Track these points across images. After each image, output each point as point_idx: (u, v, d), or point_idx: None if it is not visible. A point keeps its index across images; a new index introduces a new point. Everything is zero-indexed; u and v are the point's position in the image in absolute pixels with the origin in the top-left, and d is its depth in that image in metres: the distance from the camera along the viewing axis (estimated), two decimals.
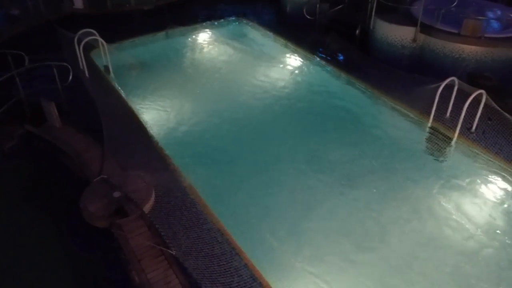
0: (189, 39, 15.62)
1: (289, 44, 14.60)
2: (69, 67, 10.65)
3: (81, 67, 11.78)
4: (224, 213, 7.64)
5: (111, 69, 12.30)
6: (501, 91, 10.44)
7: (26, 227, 8.30)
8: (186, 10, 18.02)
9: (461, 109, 9.16)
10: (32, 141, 9.93)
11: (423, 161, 9.43)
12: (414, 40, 12.69)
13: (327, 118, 11.03)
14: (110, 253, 7.31)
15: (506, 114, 9.20)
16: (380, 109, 11.11)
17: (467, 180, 8.78)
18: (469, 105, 9.05)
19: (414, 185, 8.71)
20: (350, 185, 8.71)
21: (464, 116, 9.26)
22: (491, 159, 8.95)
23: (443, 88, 9.59)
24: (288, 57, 14.26)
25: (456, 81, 9.60)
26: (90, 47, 12.46)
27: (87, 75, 11.68)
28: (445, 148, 9.54)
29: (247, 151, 9.80)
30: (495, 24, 13.47)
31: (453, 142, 9.51)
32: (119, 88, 11.54)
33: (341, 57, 13.71)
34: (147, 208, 7.53)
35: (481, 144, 9.20)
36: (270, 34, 15.49)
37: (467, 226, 7.82)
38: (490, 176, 8.80)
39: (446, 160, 9.43)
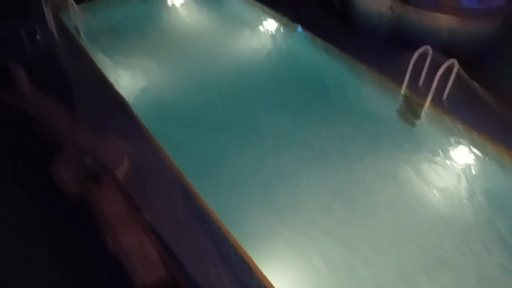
0: None
1: (265, 8, 14.34)
2: (36, 27, 10.22)
3: (50, 27, 11.29)
4: (198, 177, 7.66)
5: (81, 31, 11.82)
6: (473, 63, 10.58)
7: None
8: None
9: (434, 78, 9.28)
10: None
11: (395, 126, 9.67)
12: (391, 8, 12.64)
13: (300, 81, 11.29)
14: (85, 219, 7.24)
15: (476, 83, 9.39)
16: (354, 76, 11.17)
17: (433, 145, 9.11)
18: (441, 75, 9.18)
19: (381, 149, 9.07)
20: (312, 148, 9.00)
21: (437, 86, 9.39)
22: (459, 126, 9.21)
23: (418, 59, 9.66)
24: (263, 22, 14.07)
25: (430, 50, 9.67)
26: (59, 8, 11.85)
27: (56, 36, 11.23)
28: (416, 115, 9.76)
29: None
30: None
31: (424, 110, 9.71)
32: (90, 50, 11.14)
33: (318, 25, 13.54)
34: (119, 172, 7.48)
35: (451, 112, 9.41)
36: None
37: (426, 189, 8.26)
38: (455, 142, 9.14)
39: (416, 126, 9.70)
